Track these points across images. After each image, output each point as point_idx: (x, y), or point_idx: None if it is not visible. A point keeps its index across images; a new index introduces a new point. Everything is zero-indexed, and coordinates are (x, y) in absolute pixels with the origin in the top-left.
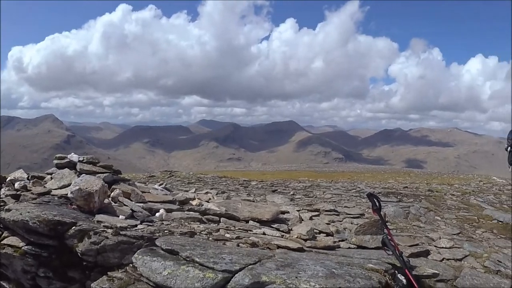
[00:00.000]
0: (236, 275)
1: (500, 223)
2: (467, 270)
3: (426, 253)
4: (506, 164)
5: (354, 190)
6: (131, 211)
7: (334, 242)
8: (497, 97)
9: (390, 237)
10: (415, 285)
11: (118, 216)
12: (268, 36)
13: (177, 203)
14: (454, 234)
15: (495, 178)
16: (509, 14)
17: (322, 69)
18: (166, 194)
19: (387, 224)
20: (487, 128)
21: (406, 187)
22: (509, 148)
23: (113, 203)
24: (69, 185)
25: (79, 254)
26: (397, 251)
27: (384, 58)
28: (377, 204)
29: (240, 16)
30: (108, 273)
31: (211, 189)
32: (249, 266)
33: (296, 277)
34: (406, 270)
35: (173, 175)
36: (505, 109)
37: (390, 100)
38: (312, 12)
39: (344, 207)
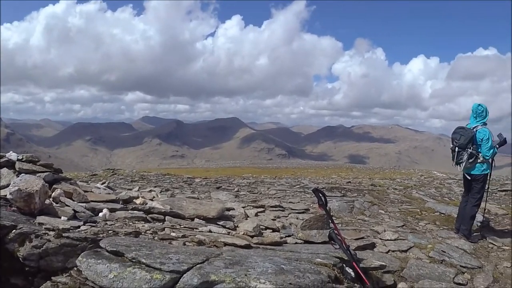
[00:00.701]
0: (184, 275)
1: (442, 215)
2: (413, 261)
3: (372, 246)
4: (449, 162)
5: (298, 186)
6: (73, 211)
7: (281, 238)
8: (438, 95)
9: (336, 231)
10: (363, 277)
11: (60, 217)
12: (214, 32)
13: (120, 202)
14: (398, 227)
15: (435, 172)
16: (451, 15)
17: (266, 66)
18: (109, 193)
19: (332, 218)
20: (428, 125)
21: (349, 182)
22: (456, 148)
23: (54, 204)
24: (7, 185)
25: (20, 259)
26: (344, 245)
27: (328, 57)
28: (323, 199)
29: (186, 12)
30: (52, 278)
31: (155, 187)
32: (197, 266)
33: (246, 275)
34: (354, 263)
35: (116, 173)
36: (445, 107)
37: (333, 98)
38: (259, 9)
39: (289, 202)
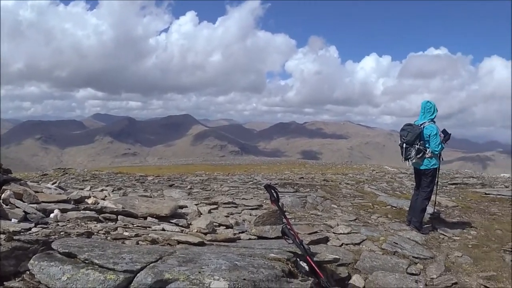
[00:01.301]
0: (138, 274)
1: (394, 208)
2: (366, 253)
3: (325, 240)
4: (400, 157)
5: (251, 182)
6: (24, 213)
7: (234, 234)
8: (389, 93)
9: (289, 227)
10: (317, 270)
11: (11, 220)
12: (167, 28)
13: (72, 202)
14: (351, 220)
15: (387, 167)
16: (403, 15)
17: (220, 63)
18: (60, 193)
19: (285, 213)
20: (379, 121)
21: (302, 177)
22: (404, 145)
23: (4, 206)
24: None
25: None
26: (297, 240)
27: (282, 54)
28: (275, 195)
29: (140, 7)
30: (5, 283)
31: (107, 186)
32: (151, 264)
33: (200, 272)
34: (308, 257)
35: (67, 173)
36: (396, 104)
37: (286, 95)
38: (213, 6)
39: (242, 199)
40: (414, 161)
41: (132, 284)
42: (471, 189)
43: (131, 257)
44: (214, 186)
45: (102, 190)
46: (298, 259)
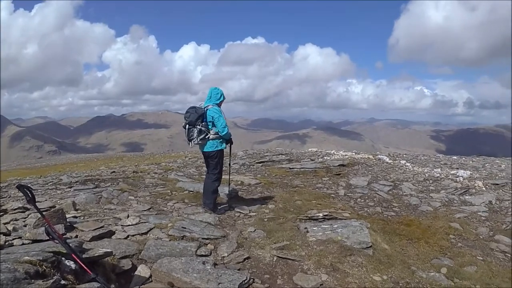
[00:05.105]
0: None
1: (191, 192)
2: (152, 241)
3: (110, 234)
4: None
5: (51, 183)
6: None
7: (6, 241)
8: (208, 80)
9: (50, 226)
10: (85, 267)
11: None
12: None
13: None
14: (144, 210)
15: None
16: (220, 5)
17: (34, 55)
18: None
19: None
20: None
21: (114, 172)
22: (187, 126)
23: None
24: None
25: None
26: (60, 239)
27: (100, 44)
28: (30, 194)
29: None
30: None
31: None
32: None
33: None
34: (73, 255)
35: None
36: None
37: (104, 86)
38: None
39: (37, 201)
40: (196, 142)
41: None
42: (278, 165)
43: None
44: (11, 192)
45: None
46: (63, 258)
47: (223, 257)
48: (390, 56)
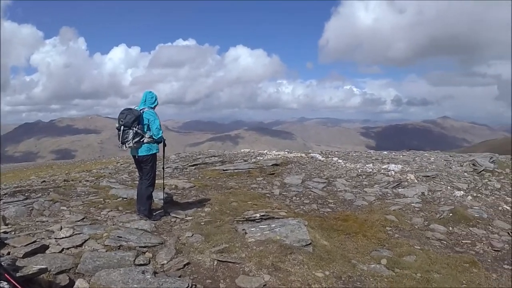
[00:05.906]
0: None
1: (125, 199)
2: (88, 253)
3: (43, 248)
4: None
5: None
6: None
7: None
8: (138, 83)
9: None
10: (18, 286)
11: None
12: None
13: None
14: (78, 221)
15: None
16: (148, 5)
17: None
18: None
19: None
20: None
21: (44, 181)
22: (122, 127)
23: None
24: None
25: None
26: None
27: (28, 46)
28: None
29: None
30: None
31: None
32: None
33: None
34: (6, 275)
35: None
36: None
37: (32, 91)
38: None
39: None
40: (130, 145)
41: None
42: (211, 167)
43: None
44: None
45: None
46: None
47: (163, 264)
48: (320, 56)
